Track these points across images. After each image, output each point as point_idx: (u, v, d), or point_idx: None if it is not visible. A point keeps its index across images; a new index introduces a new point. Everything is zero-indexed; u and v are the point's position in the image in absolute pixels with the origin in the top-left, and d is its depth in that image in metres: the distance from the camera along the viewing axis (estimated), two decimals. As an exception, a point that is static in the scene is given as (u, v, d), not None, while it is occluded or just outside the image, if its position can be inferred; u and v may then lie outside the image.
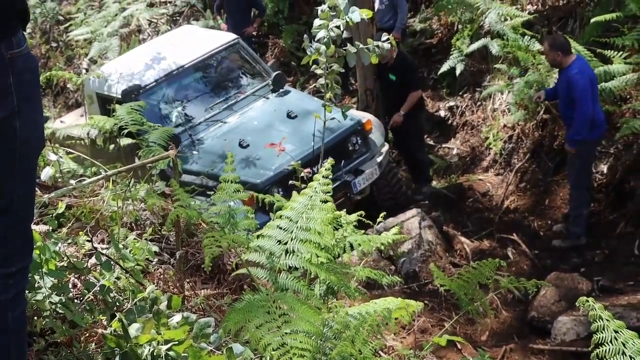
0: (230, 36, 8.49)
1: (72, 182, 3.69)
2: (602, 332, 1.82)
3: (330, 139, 7.19)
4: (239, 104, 7.89)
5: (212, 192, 3.39)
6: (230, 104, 7.87)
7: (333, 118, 6.62)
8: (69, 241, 3.40)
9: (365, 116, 7.96)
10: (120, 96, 7.51)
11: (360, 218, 3.61)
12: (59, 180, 4.58)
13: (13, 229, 2.04)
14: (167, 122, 7.54)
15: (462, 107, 9.80)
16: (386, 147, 7.96)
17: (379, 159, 7.73)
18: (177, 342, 2.57)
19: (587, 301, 1.85)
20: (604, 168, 7.84)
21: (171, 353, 2.54)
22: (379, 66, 8.47)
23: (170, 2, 13.69)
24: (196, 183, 6.35)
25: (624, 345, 1.79)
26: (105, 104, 7.71)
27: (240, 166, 6.89)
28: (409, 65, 8.71)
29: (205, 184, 6.52)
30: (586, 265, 7.14)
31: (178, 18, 13.26)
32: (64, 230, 3.52)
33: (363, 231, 3.54)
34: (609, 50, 7.78)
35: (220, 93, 8.07)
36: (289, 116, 7.55)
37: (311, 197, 2.38)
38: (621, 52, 7.72)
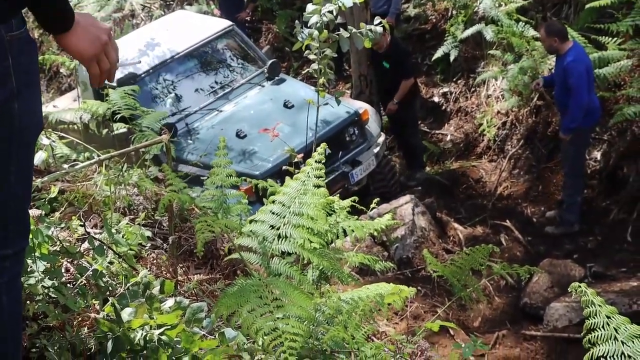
0: (225, 23, 8.41)
1: (65, 166, 3.67)
2: (594, 318, 1.82)
3: (327, 129, 7.19)
4: (235, 92, 7.82)
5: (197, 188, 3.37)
6: (226, 92, 7.80)
7: (326, 103, 6.60)
8: (62, 226, 3.39)
9: (362, 106, 7.92)
10: (116, 85, 7.43)
11: (354, 204, 3.61)
12: (52, 164, 4.56)
13: (10, 211, 2.03)
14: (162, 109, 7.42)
15: (456, 93, 9.80)
16: (382, 137, 7.94)
17: (375, 150, 7.70)
18: (169, 327, 2.56)
19: (580, 287, 1.85)
20: (597, 155, 7.85)
21: (164, 337, 2.53)
22: (372, 53, 8.46)
23: (163, -13, 13.62)
24: (192, 172, 6.29)
25: (616, 331, 1.80)
26: (99, 89, 7.67)
27: (238, 157, 6.84)
28: (402, 52, 8.69)
29: (200, 174, 6.46)
30: (579, 252, 7.17)
31: (171, 3, 13.19)
32: (57, 214, 3.51)
33: (356, 217, 3.54)
34: (604, 37, 7.77)
35: (215, 81, 7.98)
36: (285, 106, 7.50)
37: (304, 182, 2.37)
38: (615, 38, 7.71)
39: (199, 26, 8.36)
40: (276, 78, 8.01)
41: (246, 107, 7.60)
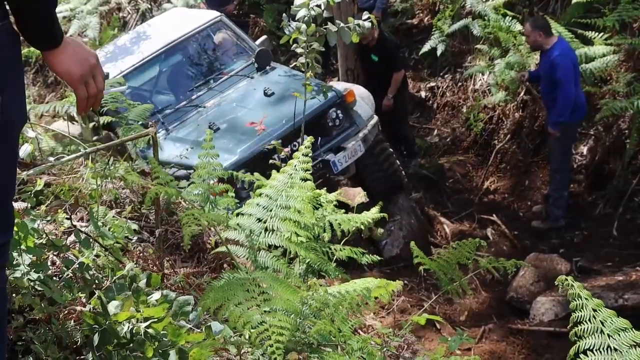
0: (212, 14, 8.20)
1: (51, 159, 3.65)
2: (580, 311, 1.83)
3: (307, 114, 6.64)
4: (222, 85, 7.46)
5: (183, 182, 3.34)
6: (212, 87, 7.44)
7: (314, 97, 6.58)
8: (48, 219, 3.37)
9: (347, 87, 7.39)
10: None
11: (340, 197, 3.60)
12: (38, 157, 4.54)
13: None
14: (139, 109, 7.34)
15: (442, 87, 9.81)
16: (374, 119, 7.34)
17: (363, 134, 7.10)
18: (156, 320, 2.55)
19: (566, 280, 1.86)
20: (583, 149, 7.88)
21: (150, 331, 2.52)
22: (360, 47, 8.45)
23: (150, -20, 13.55)
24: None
25: (602, 323, 1.81)
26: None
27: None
28: (390, 45, 8.68)
29: (174, 174, 6.32)
30: (565, 246, 7.20)
31: (158, -4, 13.13)
32: (43, 207, 3.49)
33: (343, 210, 3.54)
34: (590, 32, 7.79)
35: (201, 75, 7.69)
36: (265, 94, 7.06)
37: (291, 175, 2.37)
38: (602, 33, 7.74)
39: (186, 20, 8.16)
40: (267, 68, 7.55)
41: (230, 100, 7.22)
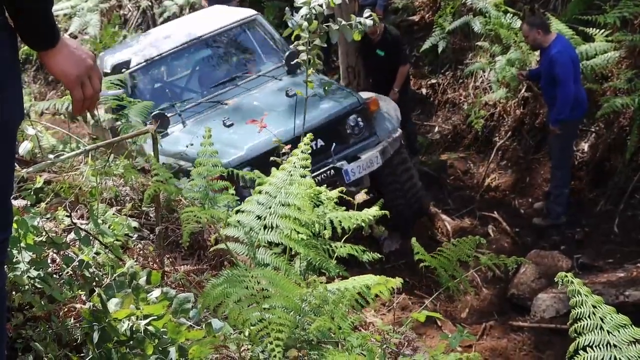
0: (248, 12, 8.02)
1: (51, 156, 3.65)
2: (580, 307, 1.83)
3: (322, 117, 6.60)
4: (248, 84, 7.23)
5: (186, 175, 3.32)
6: (238, 84, 7.23)
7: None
8: (48, 216, 3.37)
9: (370, 95, 7.14)
10: (109, 72, 7.18)
11: (341, 194, 3.59)
12: (38, 155, 4.54)
13: None
14: (160, 100, 7.22)
15: (443, 84, 9.80)
16: (398, 133, 7.00)
17: (382, 146, 6.76)
18: (156, 317, 2.56)
19: (566, 276, 1.86)
20: (585, 146, 7.87)
21: (150, 328, 2.53)
22: (365, 44, 8.43)
23: (151, -23, 13.55)
24: (175, 164, 6.05)
25: (602, 320, 1.80)
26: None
27: (217, 146, 6.53)
28: (396, 39, 8.68)
29: (177, 166, 6.30)
30: (566, 243, 7.20)
31: (160, -7, 13.13)
32: (43, 205, 3.49)
33: (344, 208, 3.53)
34: (591, 28, 7.78)
35: (228, 72, 7.51)
36: (287, 95, 6.83)
37: (290, 172, 2.36)
38: (603, 30, 7.73)
39: (221, 16, 7.96)
40: (298, 71, 7.20)
41: (252, 99, 7.02)
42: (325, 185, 6.11)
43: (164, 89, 7.57)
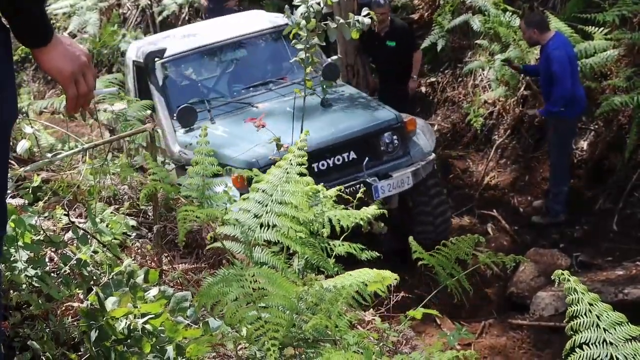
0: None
1: (49, 155, 3.65)
2: (576, 305, 1.83)
3: (357, 129, 6.47)
4: (281, 90, 7.09)
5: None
6: (271, 89, 7.12)
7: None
8: (46, 215, 3.38)
9: (408, 115, 6.95)
10: (142, 60, 7.20)
11: (340, 193, 3.59)
12: (36, 154, 4.54)
13: None
14: (189, 94, 7.21)
15: (443, 83, 9.79)
16: (432, 157, 6.84)
17: (415, 167, 6.59)
18: (153, 316, 2.56)
19: (563, 274, 1.86)
20: (584, 144, 7.87)
21: (147, 326, 2.53)
22: (372, 37, 8.44)
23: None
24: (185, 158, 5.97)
25: (598, 318, 1.80)
26: (140, 72, 7.41)
27: (245, 145, 6.28)
28: (404, 27, 8.73)
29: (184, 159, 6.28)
30: (565, 241, 7.20)
31: (159, -8, 13.11)
32: (41, 204, 3.49)
33: (342, 206, 3.53)
34: (590, 26, 7.78)
35: (261, 76, 7.40)
36: (322, 104, 6.69)
37: (287, 170, 2.35)
38: (602, 28, 7.72)
39: (260, 20, 7.87)
40: (334, 84, 7.04)
41: (284, 104, 6.75)
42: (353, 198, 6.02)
43: (195, 84, 7.49)
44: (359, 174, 6.38)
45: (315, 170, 6.05)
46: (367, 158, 6.44)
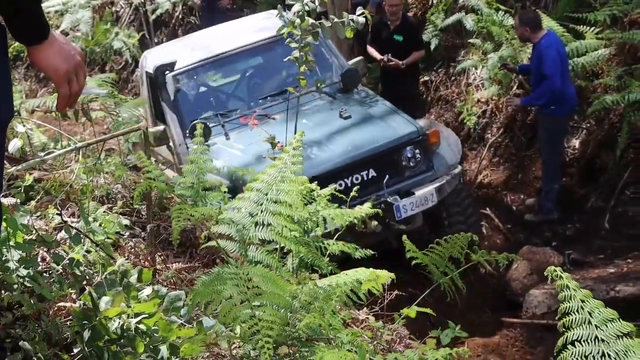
0: None
1: (41, 154, 3.65)
2: (569, 302, 1.84)
3: (376, 145, 6.13)
4: (296, 100, 6.54)
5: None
6: (288, 99, 6.50)
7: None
8: (38, 214, 3.37)
9: (431, 126, 6.67)
10: (152, 72, 6.81)
11: (334, 192, 3.59)
12: (28, 153, 4.53)
13: None
14: (203, 108, 6.85)
15: (436, 82, 9.80)
16: (458, 170, 6.49)
17: (439, 182, 6.23)
18: (147, 316, 2.55)
19: (555, 271, 1.86)
20: (576, 143, 7.89)
21: (141, 326, 2.52)
22: (382, 29, 8.46)
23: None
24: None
25: (590, 314, 1.81)
26: (152, 84, 6.96)
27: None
28: (414, 25, 8.79)
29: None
30: (558, 239, 7.22)
31: (151, -10, 13.09)
32: (33, 203, 3.48)
33: (336, 205, 3.53)
34: (582, 26, 7.81)
35: (278, 84, 6.96)
36: (340, 116, 6.38)
37: (281, 169, 2.35)
38: (593, 28, 7.75)
39: (273, 24, 7.06)
40: (354, 90, 6.84)
41: (302, 115, 6.28)
42: (373, 218, 5.52)
43: (208, 97, 7.11)
44: (380, 193, 6.02)
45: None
46: (387, 175, 6.09)
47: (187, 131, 6.40)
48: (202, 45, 7.22)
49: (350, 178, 5.98)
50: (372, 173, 6.10)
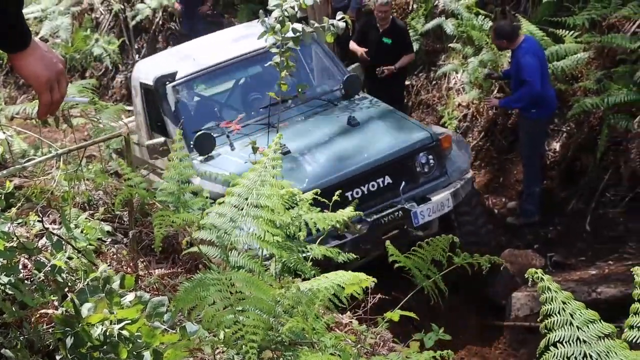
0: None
1: (22, 161, 3.63)
2: (550, 304, 1.85)
3: (390, 152, 6.13)
4: (301, 107, 6.71)
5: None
6: (290, 107, 6.64)
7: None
8: (19, 221, 3.34)
9: (443, 132, 6.67)
10: (152, 84, 6.74)
11: (316, 196, 3.59)
12: (8, 160, 4.50)
13: None
14: (205, 118, 6.81)
15: (417, 86, 9.84)
16: (469, 174, 6.58)
17: (454, 187, 6.25)
18: (130, 322, 2.54)
19: (536, 273, 1.88)
20: (556, 146, 7.95)
21: (124, 332, 2.51)
22: (371, 31, 8.47)
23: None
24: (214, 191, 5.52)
25: (571, 316, 1.82)
26: (148, 95, 6.94)
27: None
28: (404, 29, 8.79)
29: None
30: (539, 242, 7.26)
31: (131, -4, 13.05)
32: (14, 210, 3.45)
33: (319, 209, 3.53)
34: (561, 30, 7.88)
35: (280, 93, 7.00)
36: (349, 123, 6.39)
37: (260, 173, 2.35)
38: (573, 32, 7.82)
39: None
40: (356, 97, 6.87)
41: (308, 124, 6.48)
42: (390, 227, 5.62)
43: (211, 107, 7.10)
44: (396, 200, 6.04)
45: (350, 199, 5.48)
46: (403, 182, 6.09)
47: (191, 142, 6.36)
48: (199, 55, 7.14)
49: (366, 185, 5.98)
50: (387, 180, 6.11)
